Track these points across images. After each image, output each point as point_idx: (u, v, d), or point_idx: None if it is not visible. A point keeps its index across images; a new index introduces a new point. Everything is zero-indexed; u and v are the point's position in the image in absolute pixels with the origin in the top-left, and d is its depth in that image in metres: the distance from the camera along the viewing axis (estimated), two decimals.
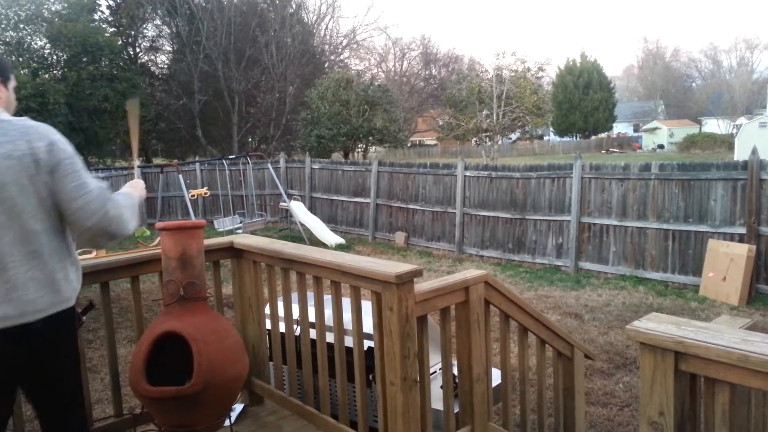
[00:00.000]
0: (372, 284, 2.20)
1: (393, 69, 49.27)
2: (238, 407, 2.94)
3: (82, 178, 1.82)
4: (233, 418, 2.73)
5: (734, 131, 39.75)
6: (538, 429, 3.27)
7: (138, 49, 28.34)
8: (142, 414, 2.65)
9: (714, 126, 46.99)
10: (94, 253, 2.86)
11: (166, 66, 29.46)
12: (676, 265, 8.38)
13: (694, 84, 63.06)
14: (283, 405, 2.90)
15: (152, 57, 29.60)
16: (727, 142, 36.95)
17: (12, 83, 1.96)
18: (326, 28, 34.74)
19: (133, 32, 27.27)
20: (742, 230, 7.70)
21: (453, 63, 47.32)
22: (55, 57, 21.51)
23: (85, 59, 21.15)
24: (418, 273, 2.15)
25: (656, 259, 8.58)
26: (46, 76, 20.45)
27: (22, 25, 20.63)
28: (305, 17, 32.34)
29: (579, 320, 6.88)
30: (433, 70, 48.29)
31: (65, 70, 20.41)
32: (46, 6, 21.69)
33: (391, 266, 2.19)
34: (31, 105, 17.05)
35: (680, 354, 1.44)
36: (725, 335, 1.40)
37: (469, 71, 30.74)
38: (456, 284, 2.38)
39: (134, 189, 2.19)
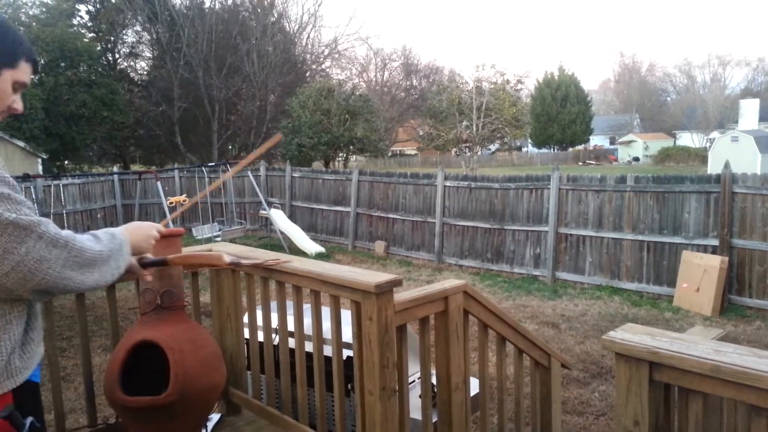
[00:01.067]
0: (352, 293, 2.21)
1: (374, 79, 49.51)
2: (214, 417, 2.91)
3: None
4: (209, 429, 2.70)
5: (708, 145, 40.60)
6: None
7: (117, 55, 28.12)
8: (116, 424, 2.61)
9: (688, 139, 47.97)
10: None
11: (145, 72, 29.23)
12: (651, 275, 8.51)
13: (668, 98, 64.40)
14: (260, 415, 2.87)
15: (132, 63, 29.39)
16: (700, 155, 37.74)
17: (14, 72, 1.41)
18: (308, 37, 34.83)
19: (112, 38, 27.05)
20: (715, 242, 7.86)
21: (433, 74, 47.68)
22: None
23: (62, 64, 20.91)
24: (397, 283, 2.16)
25: (631, 270, 8.70)
26: None
27: None
28: (287, 26, 32.41)
29: (556, 330, 6.95)
30: (414, 81, 48.62)
31: (42, 75, 20.15)
32: (23, 10, 21.42)
33: (370, 276, 2.19)
34: None
35: (655, 364, 1.47)
36: (698, 346, 1.43)
37: (449, 83, 30.98)
38: (435, 294, 2.39)
39: (132, 232, 1.59)
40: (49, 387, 2.57)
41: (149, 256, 1.70)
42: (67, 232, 1.31)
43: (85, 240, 1.36)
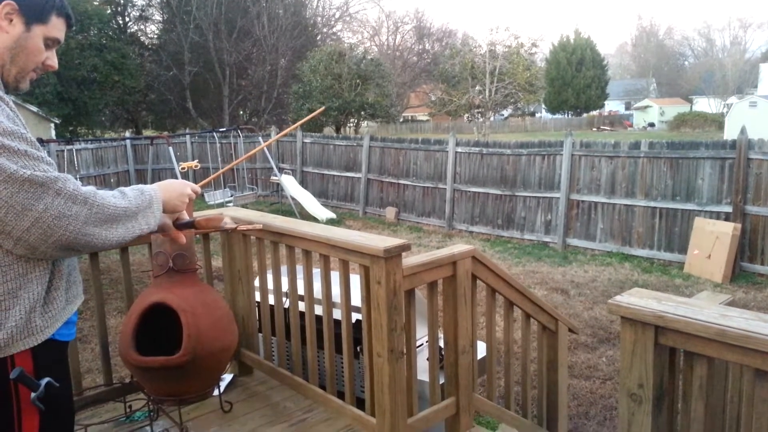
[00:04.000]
0: (361, 258, 2.22)
1: (386, 43, 48.79)
2: (227, 377, 2.98)
3: None
4: (222, 388, 2.76)
5: (725, 110, 39.87)
6: (521, 401, 3.34)
7: (127, 19, 27.85)
8: (131, 383, 2.68)
9: (705, 105, 47.08)
10: None
11: (155, 36, 29.00)
12: (662, 242, 8.47)
13: (686, 62, 62.98)
14: (272, 375, 2.94)
15: (142, 27, 29.12)
16: (717, 121, 37.06)
17: (44, 28, 1.38)
18: None
19: (122, 1, 26.75)
20: (729, 209, 7.78)
21: (446, 38, 46.88)
22: None
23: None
24: (406, 247, 2.17)
25: (643, 237, 8.67)
26: None
27: None
28: None
29: (565, 295, 6.98)
30: (427, 45, 47.84)
31: None
32: None
33: (379, 240, 2.21)
34: None
35: (660, 328, 1.47)
36: (704, 310, 1.43)
37: (462, 46, 30.51)
38: (443, 259, 2.41)
39: (164, 189, 1.53)
40: None
41: (185, 216, 1.67)
42: (88, 188, 1.29)
43: (108, 196, 1.33)
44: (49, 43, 1.41)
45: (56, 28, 1.41)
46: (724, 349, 1.37)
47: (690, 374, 1.51)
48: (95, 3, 23.62)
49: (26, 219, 1.19)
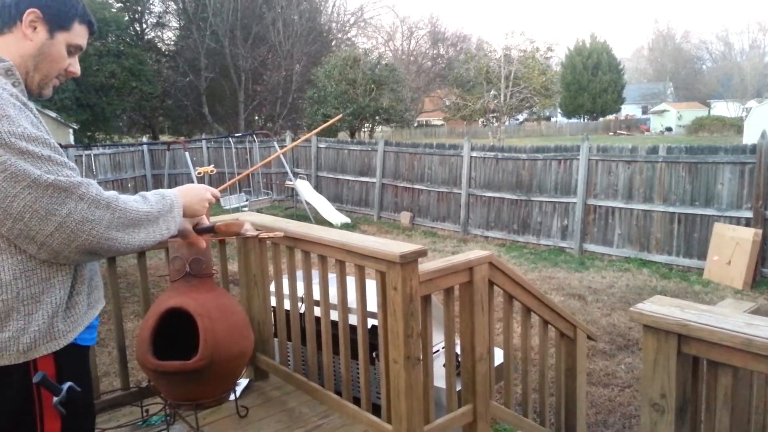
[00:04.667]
0: (377, 263, 2.21)
1: (400, 48, 48.87)
2: (243, 382, 2.98)
3: (15, 166, 1.17)
4: (238, 393, 2.76)
5: (743, 114, 39.34)
6: (539, 408, 3.30)
7: (145, 25, 28.18)
8: (148, 387, 2.68)
9: (723, 109, 46.47)
10: None
11: (172, 42, 29.30)
12: (681, 248, 8.36)
13: (704, 66, 62.29)
14: (287, 380, 2.93)
15: (159, 33, 29.44)
16: (736, 125, 36.58)
17: (67, 35, 1.39)
18: (333, 5, 34.54)
19: (139, 8, 27.08)
20: (749, 214, 7.66)
21: (461, 42, 46.83)
22: None
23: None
24: (422, 253, 2.15)
25: (661, 242, 8.56)
26: None
27: None
28: None
29: (582, 301, 6.90)
30: (441, 50, 47.82)
31: None
32: None
33: (396, 246, 2.19)
34: None
35: (683, 337, 1.44)
36: (729, 319, 1.40)
37: (477, 51, 30.45)
38: (460, 264, 2.39)
39: (184, 194, 1.53)
40: None
41: (205, 221, 1.67)
42: (110, 193, 1.30)
43: (130, 201, 1.34)
44: (72, 50, 1.42)
45: (79, 35, 1.42)
46: (750, 358, 1.33)
47: (714, 384, 1.48)
48: (113, 10, 23.93)
49: (50, 224, 1.19)
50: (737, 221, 7.79)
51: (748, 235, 7.43)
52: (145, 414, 2.64)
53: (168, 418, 2.54)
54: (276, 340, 3.11)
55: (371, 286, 2.46)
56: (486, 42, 36.13)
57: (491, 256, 2.51)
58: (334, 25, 34.88)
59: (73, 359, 1.35)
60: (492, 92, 26.15)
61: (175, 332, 2.35)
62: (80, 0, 1.43)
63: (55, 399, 1.25)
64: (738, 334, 1.33)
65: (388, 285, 2.17)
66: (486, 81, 26.28)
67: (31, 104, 1.32)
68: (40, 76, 1.39)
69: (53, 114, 18.00)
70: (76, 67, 1.45)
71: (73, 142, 17.26)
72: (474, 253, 2.50)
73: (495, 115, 27.47)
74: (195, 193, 1.57)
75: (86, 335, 1.40)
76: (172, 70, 27.17)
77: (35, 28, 1.34)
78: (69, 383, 1.28)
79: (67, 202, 1.20)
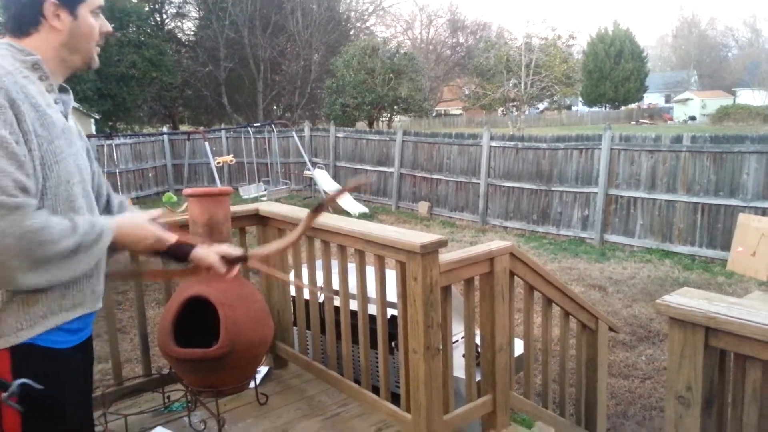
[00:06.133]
0: (397, 254, 2.20)
1: (419, 37, 48.52)
2: (263, 370, 3.00)
3: None
4: (258, 380, 2.78)
5: None
6: (559, 399, 3.27)
7: (165, 16, 28.36)
8: (170, 374, 2.71)
9: (749, 97, 45.48)
10: None
11: (192, 33, 29.46)
12: (704, 239, 8.22)
13: (730, 54, 60.99)
14: (306, 369, 2.95)
15: (179, 23, 29.63)
16: (762, 114, 35.80)
17: (87, 4, 1.39)
18: None
19: None
20: None
21: (481, 30, 46.35)
22: None
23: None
24: (443, 243, 2.14)
25: (684, 233, 8.43)
26: None
27: None
28: None
29: (603, 292, 6.83)
30: (461, 38, 47.40)
31: None
32: None
33: (416, 236, 2.18)
34: None
35: (711, 330, 1.41)
36: (761, 312, 1.37)
37: (497, 39, 30.13)
38: (481, 255, 2.37)
39: (124, 225, 1.44)
40: (106, 339, 2.69)
41: (230, 251, 1.62)
42: (38, 223, 1.20)
43: (55, 237, 1.24)
44: (97, 11, 1.42)
45: None
46: None
47: (742, 378, 1.44)
48: (134, 1, 24.10)
49: None
50: (763, 212, 7.63)
51: None
52: (166, 400, 2.68)
53: (189, 404, 2.57)
54: (295, 329, 3.13)
55: (391, 276, 2.45)
56: (506, 30, 35.80)
57: (512, 246, 2.49)
58: (352, 14, 34.75)
59: (34, 360, 1.28)
60: (512, 81, 25.89)
61: (196, 320, 2.37)
62: None
63: (3, 394, 1.22)
64: None
65: (408, 275, 2.16)
66: (506, 69, 26.03)
67: (49, 98, 1.33)
68: (81, 55, 1.41)
69: (75, 104, 18.20)
70: (106, 25, 1.46)
71: (94, 132, 17.47)
72: (495, 243, 2.48)
73: (515, 104, 27.23)
74: (135, 234, 1.47)
75: (57, 338, 1.33)
76: (192, 60, 27.33)
77: (59, 16, 1.34)
78: (22, 380, 1.24)
79: None
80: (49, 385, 1.29)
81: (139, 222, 1.49)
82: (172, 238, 1.55)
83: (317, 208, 1.70)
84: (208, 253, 1.56)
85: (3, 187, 1.16)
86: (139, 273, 1.94)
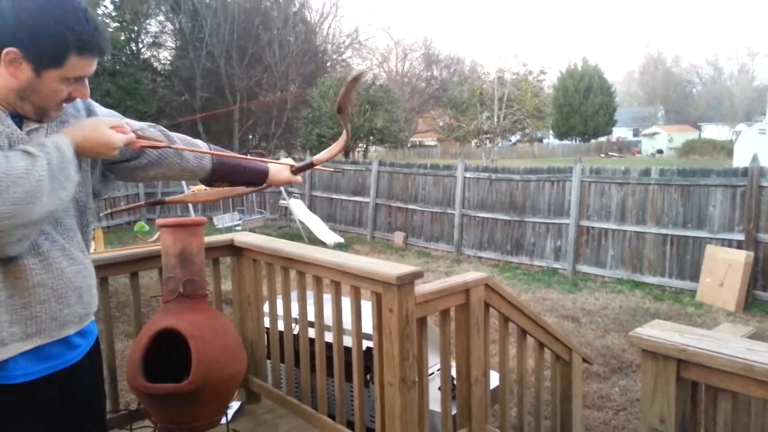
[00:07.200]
0: (373, 285, 2.20)
1: (395, 69, 49.27)
2: (234, 405, 2.93)
3: None
4: (230, 416, 2.72)
5: (733, 137, 39.79)
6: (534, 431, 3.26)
7: (141, 45, 28.33)
8: (138, 410, 2.64)
9: (713, 132, 47.05)
10: (92, 248, 2.85)
11: (168, 62, 29.44)
12: (674, 269, 8.38)
13: (694, 90, 63.19)
14: (280, 403, 2.89)
15: (155, 53, 29.60)
16: (726, 148, 36.95)
17: (59, 72, 1.23)
18: (329, 27, 34.78)
19: (136, 28, 27.24)
20: (741, 236, 7.70)
21: (454, 65, 47.34)
22: None
23: (100, 56, 21.25)
24: (419, 275, 2.14)
25: (654, 264, 8.58)
26: None
27: None
28: (308, 16, 32.37)
29: (576, 323, 6.88)
30: (435, 72, 48.32)
31: None
32: None
33: (392, 267, 2.18)
34: None
35: (683, 362, 1.43)
36: (730, 344, 1.39)
37: (470, 73, 30.72)
38: (456, 286, 2.37)
39: (85, 128, 1.32)
40: None
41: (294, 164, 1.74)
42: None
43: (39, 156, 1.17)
44: (71, 80, 1.25)
45: (76, 68, 1.24)
46: (751, 384, 1.32)
47: (713, 409, 1.46)
48: (110, 29, 24.06)
49: None
50: (729, 243, 7.82)
51: (741, 257, 7.46)
52: None
53: None
54: (269, 361, 3.08)
55: (367, 307, 2.43)
56: (479, 64, 36.59)
57: (488, 277, 2.50)
58: (329, 46, 35.19)
59: None
60: (485, 114, 26.35)
61: (167, 354, 2.32)
62: (80, 24, 1.22)
63: None
64: (738, 360, 1.32)
65: (384, 306, 2.15)
66: (479, 103, 26.49)
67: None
68: (32, 106, 1.24)
69: None
70: (81, 92, 1.30)
71: None
72: (470, 274, 2.49)
73: (488, 136, 27.65)
74: (96, 137, 1.31)
75: (7, 372, 1.24)
76: (168, 90, 27.27)
77: (19, 66, 1.19)
78: None
79: None
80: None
81: (92, 125, 1.35)
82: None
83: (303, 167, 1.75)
84: (282, 168, 1.65)
85: None
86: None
